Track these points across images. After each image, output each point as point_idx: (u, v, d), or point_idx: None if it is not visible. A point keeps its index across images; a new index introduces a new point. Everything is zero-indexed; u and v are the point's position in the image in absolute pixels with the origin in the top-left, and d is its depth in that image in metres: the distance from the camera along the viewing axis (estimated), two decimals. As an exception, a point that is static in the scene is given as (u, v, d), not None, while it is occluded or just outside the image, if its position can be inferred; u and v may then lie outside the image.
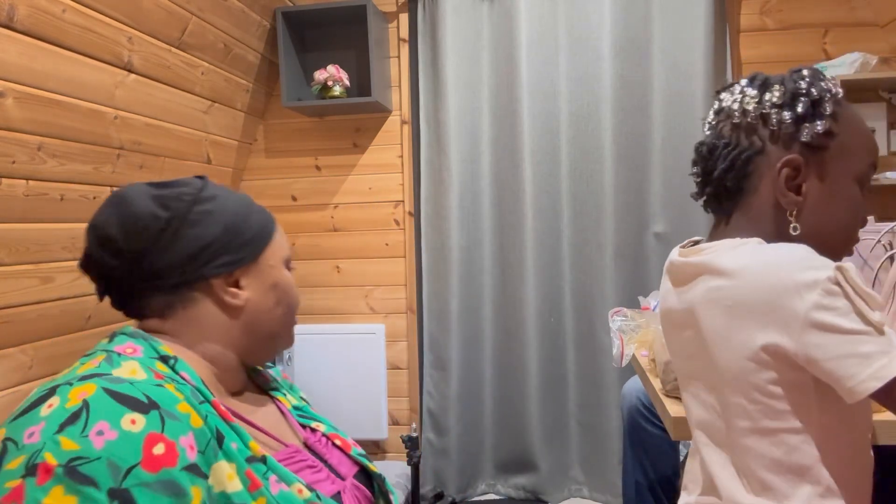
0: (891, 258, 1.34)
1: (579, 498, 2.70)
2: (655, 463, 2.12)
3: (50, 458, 0.64)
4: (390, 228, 2.91)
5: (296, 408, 0.98)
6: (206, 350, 0.85)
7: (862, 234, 1.74)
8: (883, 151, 2.51)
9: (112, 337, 0.81)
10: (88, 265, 0.84)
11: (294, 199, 2.98)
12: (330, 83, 2.69)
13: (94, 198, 2.06)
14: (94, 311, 2.16)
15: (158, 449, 0.67)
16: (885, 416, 1.12)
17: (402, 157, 2.89)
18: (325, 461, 0.90)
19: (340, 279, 2.95)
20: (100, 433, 0.66)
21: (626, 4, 2.60)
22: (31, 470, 0.63)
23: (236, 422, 0.79)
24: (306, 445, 0.92)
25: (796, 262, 0.83)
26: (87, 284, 2.10)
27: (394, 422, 2.91)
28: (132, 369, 0.74)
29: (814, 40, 2.61)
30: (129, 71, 2.01)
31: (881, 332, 0.80)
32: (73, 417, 0.66)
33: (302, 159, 2.97)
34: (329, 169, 2.96)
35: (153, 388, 0.72)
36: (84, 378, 0.71)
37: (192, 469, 0.69)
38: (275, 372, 1.04)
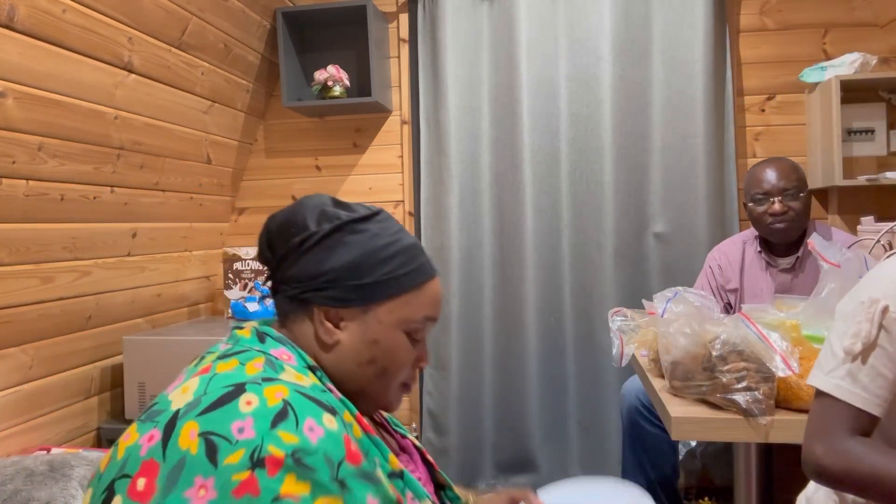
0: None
1: (579, 498, 2.70)
2: (655, 463, 2.13)
3: (275, 451, 0.66)
4: (390, 228, 2.91)
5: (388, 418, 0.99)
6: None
7: (862, 233, 1.74)
8: (883, 151, 2.51)
9: (260, 337, 0.82)
10: (258, 250, 0.88)
11: (294, 199, 2.98)
12: (330, 83, 2.70)
13: (95, 198, 2.06)
14: (94, 311, 2.16)
15: (353, 447, 0.72)
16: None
17: (402, 157, 2.89)
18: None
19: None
20: (311, 429, 0.69)
21: (626, 4, 2.60)
22: (258, 462, 0.65)
23: (377, 436, 0.80)
24: (403, 450, 0.94)
25: None
26: (87, 284, 2.11)
27: (394, 422, 2.91)
28: (297, 375, 0.77)
29: (813, 40, 2.61)
30: (130, 71, 2.01)
31: None
32: (283, 414, 0.69)
33: (302, 159, 2.97)
34: (329, 169, 2.96)
35: (322, 395, 0.76)
36: (268, 380, 0.73)
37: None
38: None
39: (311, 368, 0.80)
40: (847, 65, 2.34)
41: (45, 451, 1.79)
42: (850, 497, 1.10)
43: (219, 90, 2.51)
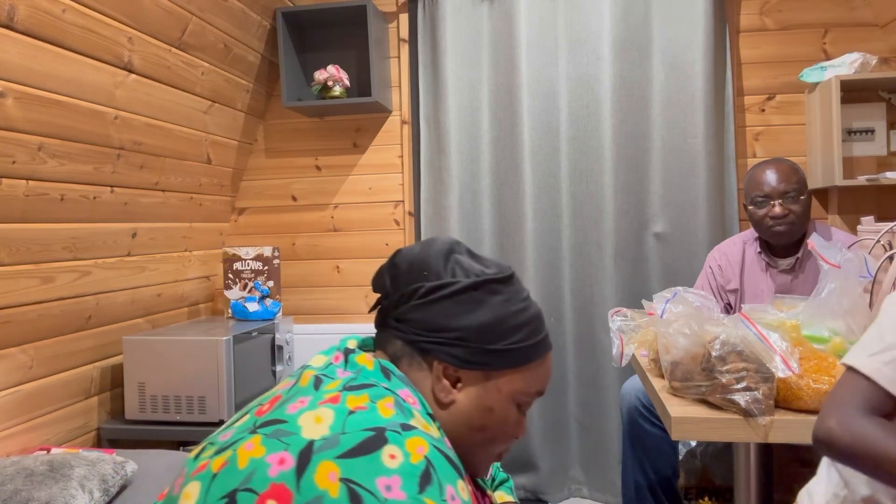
0: (890, 258, 1.34)
1: (579, 498, 2.70)
2: (655, 463, 2.12)
3: None
4: (390, 228, 2.91)
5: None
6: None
7: (862, 234, 1.74)
8: (883, 151, 2.51)
9: (385, 373, 0.79)
10: (376, 276, 0.86)
11: (294, 199, 2.98)
12: (330, 83, 2.70)
13: (95, 198, 2.06)
14: (94, 311, 2.16)
15: None
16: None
17: (402, 157, 2.89)
18: None
19: (340, 279, 2.95)
20: (453, 498, 0.66)
21: (625, 5, 2.60)
22: None
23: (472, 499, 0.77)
24: None
25: None
26: (87, 284, 2.11)
27: (394, 422, 2.91)
28: (424, 424, 0.74)
29: (813, 40, 2.61)
30: (130, 71, 2.01)
31: None
32: (427, 477, 0.66)
33: (302, 159, 2.97)
34: (329, 169, 2.96)
35: (450, 452, 0.72)
36: (407, 428, 0.70)
37: None
38: None
39: (431, 416, 0.77)
40: (847, 65, 2.34)
41: (45, 451, 1.80)
42: (851, 488, 1.10)
43: (219, 90, 2.51)
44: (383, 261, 3.07)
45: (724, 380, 1.31)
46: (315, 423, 0.69)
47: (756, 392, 1.28)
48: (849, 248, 1.63)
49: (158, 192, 2.38)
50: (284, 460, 0.65)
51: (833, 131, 2.31)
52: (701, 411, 1.35)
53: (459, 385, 0.80)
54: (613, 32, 2.60)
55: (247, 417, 0.75)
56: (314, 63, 2.84)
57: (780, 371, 1.26)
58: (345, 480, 0.63)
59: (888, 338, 1.02)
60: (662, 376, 1.54)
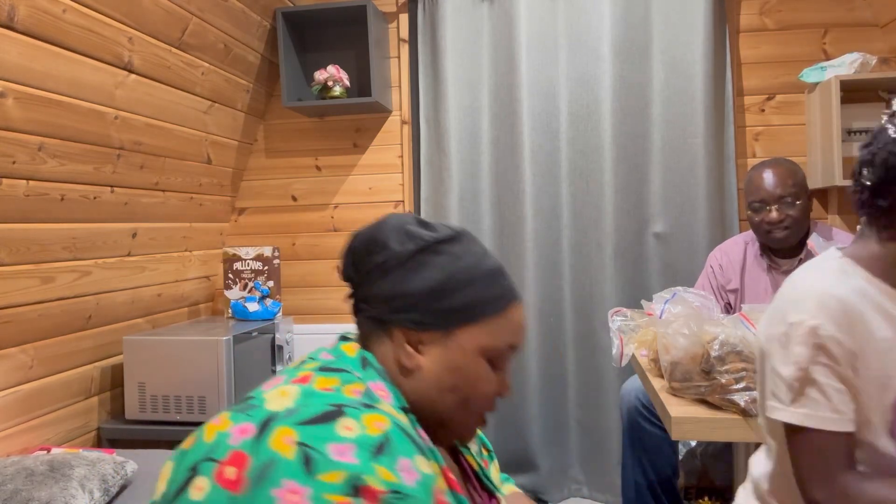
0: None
1: (579, 498, 2.70)
2: (655, 462, 2.13)
3: (374, 484, 0.64)
4: (390, 228, 2.91)
5: (479, 465, 0.96)
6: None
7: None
8: (883, 151, 2.51)
9: (363, 363, 0.80)
10: (342, 266, 0.87)
11: (294, 199, 2.99)
12: (330, 83, 2.70)
13: (95, 198, 2.06)
14: (95, 311, 2.16)
15: (442, 496, 0.69)
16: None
17: (402, 157, 2.89)
18: None
19: (340, 279, 2.95)
20: (407, 470, 0.66)
21: (625, 5, 2.60)
22: (357, 491, 0.63)
23: (463, 493, 0.77)
24: None
25: None
26: (87, 284, 2.11)
27: (394, 422, 2.91)
28: (394, 413, 0.74)
29: (813, 40, 2.61)
30: (130, 71, 2.01)
31: None
32: (381, 447, 0.66)
33: (302, 159, 2.97)
34: (329, 169, 2.96)
35: (416, 436, 0.72)
36: (369, 407, 0.71)
37: None
38: None
39: (405, 410, 0.78)
40: (847, 65, 2.34)
41: (45, 451, 1.80)
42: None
43: (219, 90, 2.51)
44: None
45: (723, 380, 1.31)
46: (280, 397, 0.72)
47: (755, 392, 1.28)
48: (848, 248, 1.63)
49: (158, 192, 2.38)
50: (246, 430, 0.68)
51: (833, 131, 2.31)
52: (701, 411, 1.35)
53: (422, 348, 0.80)
54: (613, 32, 2.60)
55: None
56: (314, 63, 2.84)
57: (780, 371, 1.26)
58: (300, 444, 0.65)
59: (788, 380, 1.00)
60: (662, 376, 1.54)
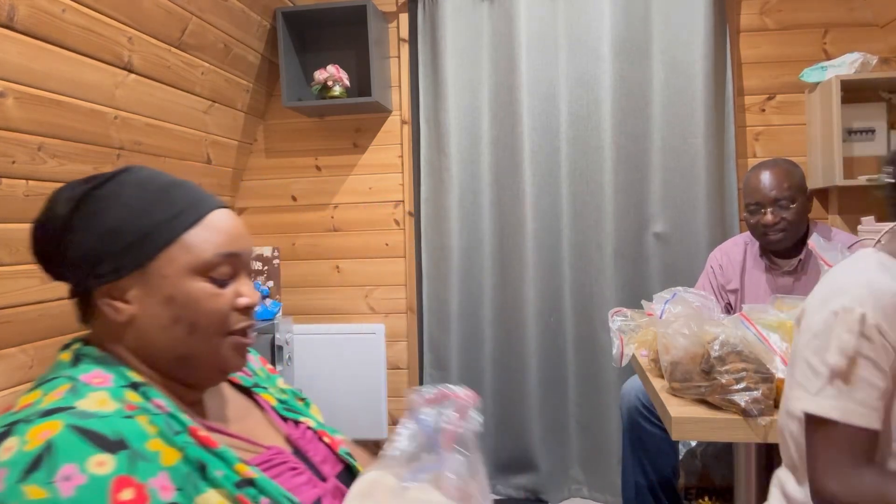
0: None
1: (579, 498, 2.70)
2: (655, 463, 2.12)
3: None
4: (390, 228, 2.91)
5: (280, 401, 0.94)
6: (139, 366, 0.78)
7: (862, 234, 1.74)
8: (883, 151, 2.50)
9: (76, 359, 0.76)
10: (39, 263, 0.82)
11: (294, 199, 2.98)
12: (330, 83, 2.70)
13: (95, 198, 2.06)
14: (95, 310, 2.16)
15: (127, 494, 0.64)
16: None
17: (402, 157, 2.89)
18: (307, 459, 0.87)
19: (340, 279, 2.95)
20: (67, 478, 0.62)
21: (626, 4, 2.60)
22: None
23: (220, 446, 0.74)
24: (289, 442, 0.88)
25: None
26: (87, 284, 2.10)
27: (394, 422, 2.91)
28: (100, 400, 0.70)
29: (813, 40, 2.61)
30: (130, 71, 2.01)
31: None
32: (37, 462, 0.62)
33: (302, 159, 2.97)
34: (329, 169, 2.96)
35: (122, 421, 0.68)
36: (48, 413, 0.66)
37: None
38: (252, 354, 0.98)
39: (134, 385, 0.73)
40: (847, 65, 2.34)
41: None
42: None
43: (219, 90, 2.51)
44: (384, 261, 3.06)
45: (723, 380, 1.31)
46: None
47: (755, 392, 1.28)
48: (849, 248, 1.64)
49: (158, 192, 2.37)
50: None
51: (833, 131, 2.31)
52: (701, 411, 1.35)
53: (128, 296, 0.76)
54: (613, 32, 2.60)
55: None
56: (314, 63, 2.84)
57: (780, 371, 1.26)
58: None
59: (820, 369, 0.98)
60: (662, 376, 1.54)
